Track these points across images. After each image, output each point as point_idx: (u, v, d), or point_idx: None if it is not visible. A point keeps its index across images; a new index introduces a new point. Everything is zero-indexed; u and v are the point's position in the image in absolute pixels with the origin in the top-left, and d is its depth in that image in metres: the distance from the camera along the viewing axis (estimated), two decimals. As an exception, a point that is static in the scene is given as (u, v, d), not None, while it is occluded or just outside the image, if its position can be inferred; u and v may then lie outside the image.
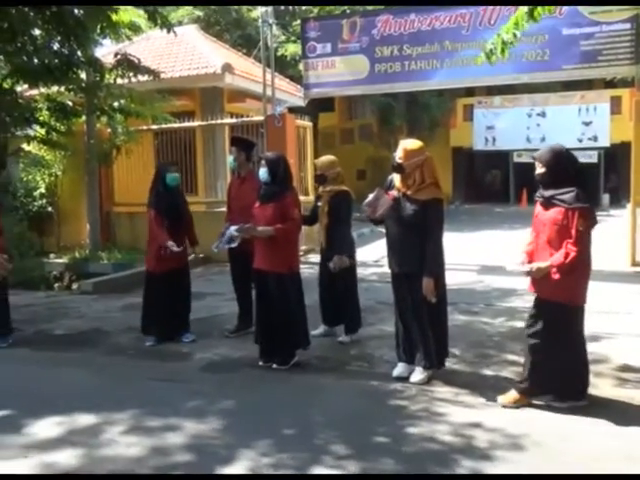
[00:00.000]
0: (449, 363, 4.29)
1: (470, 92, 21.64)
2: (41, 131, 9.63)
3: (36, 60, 8.75)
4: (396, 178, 4.06)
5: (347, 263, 5.07)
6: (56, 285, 10.61)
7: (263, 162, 4.63)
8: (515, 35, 4.31)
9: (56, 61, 8.82)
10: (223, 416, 3.63)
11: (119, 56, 8.35)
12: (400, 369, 4.21)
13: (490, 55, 4.51)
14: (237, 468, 3.00)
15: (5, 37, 8.04)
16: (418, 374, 4.08)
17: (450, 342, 4.25)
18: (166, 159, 11.46)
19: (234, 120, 10.94)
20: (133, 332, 5.80)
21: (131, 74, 8.33)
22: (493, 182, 26.18)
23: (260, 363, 4.66)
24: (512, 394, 3.68)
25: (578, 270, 3.47)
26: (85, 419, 3.65)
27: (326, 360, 4.73)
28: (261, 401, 3.92)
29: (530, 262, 3.64)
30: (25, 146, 10.88)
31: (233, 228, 4.86)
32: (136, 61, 8.21)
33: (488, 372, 4.30)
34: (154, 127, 11.15)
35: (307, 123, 11.05)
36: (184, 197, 5.74)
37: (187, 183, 10.12)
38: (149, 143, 11.55)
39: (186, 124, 11.01)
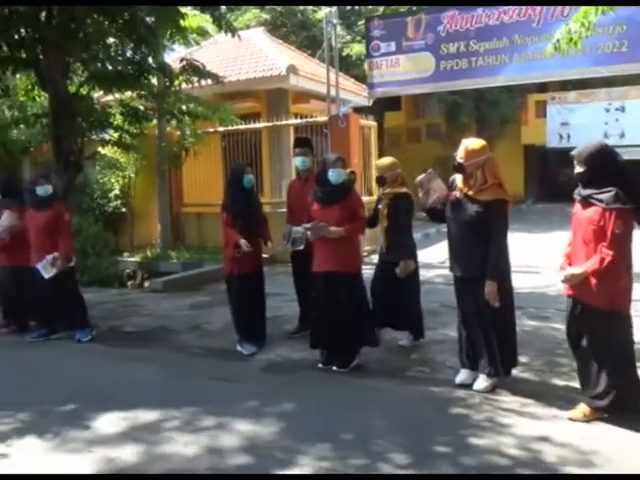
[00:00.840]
0: (516, 371, 4.12)
1: (542, 88, 20.79)
2: (115, 135, 10.04)
3: (110, 67, 9.15)
4: (458, 178, 3.94)
5: (413, 267, 4.96)
6: (129, 283, 11.10)
7: (333, 163, 4.59)
8: (584, 25, 4.07)
9: (129, 68, 9.22)
10: (281, 418, 3.63)
11: (184, 62, 8.55)
12: (463, 376, 4.07)
13: (557, 46, 4.29)
14: (293, 472, 2.98)
15: (80, 46, 8.42)
16: (482, 382, 3.94)
17: (518, 349, 4.07)
18: (233, 160, 11.70)
19: (298, 121, 10.99)
20: (198, 330, 5.95)
21: (195, 79, 8.50)
22: (567, 180, 25.07)
23: (320, 365, 4.64)
24: (582, 407, 3.48)
25: (617, 274, 3.27)
26: (146, 415, 3.74)
27: (386, 364, 4.65)
28: (320, 404, 3.89)
29: (570, 265, 3.48)
30: (101, 149, 11.42)
31: (296, 229, 4.86)
32: (200, 66, 8.37)
33: (557, 382, 4.08)
34: (221, 129, 11.39)
35: (371, 123, 10.97)
36: (258, 198, 5.70)
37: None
38: (217, 145, 11.81)
39: (252, 125, 11.17)
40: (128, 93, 9.72)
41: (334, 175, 4.52)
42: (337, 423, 3.54)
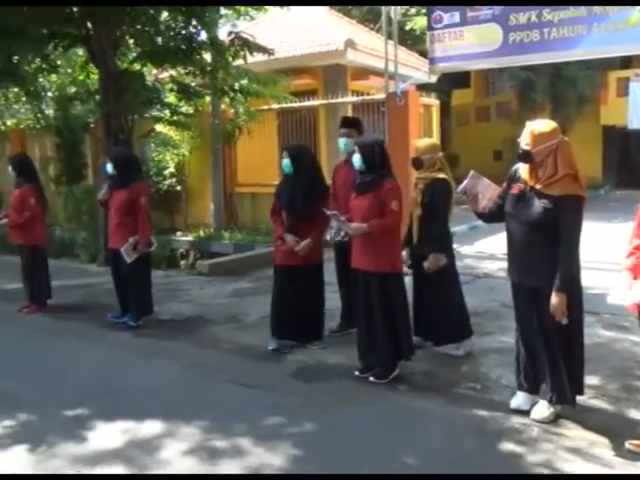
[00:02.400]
0: (584, 396, 3.48)
1: (625, 63, 19.11)
2: (167, 113, 9.81)
3: (160, 42, 8.87)
4: (522, 168, 3.30)
5: (443, 262, 4.37)
6: (182, 262, 10.98)
7: (356, 148, 4.10)
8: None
9: (180, 43, 8.91)
10: (300, 443, 3.17)
11: (232, 35, 8.11)
12: (520, 400, 3.49)
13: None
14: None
15: (129, 20, 8.16)
16: (542, 409, 3.34)
17: (587, 366, 3.42)
18: (288, 140, 11.29)
19: (354, 99, 10.38)
20: (234, 322, 5.60)
21: (243, 53, 8.06)
22: (651, 165, 23.17)
23: (356, 373, 4.17)
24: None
25: None
26: (150, 429, 3.40)
27: (431, 377, 4.11)
28: (348, 424, 3.42)
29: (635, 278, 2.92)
30: (157, 127, 11.26)
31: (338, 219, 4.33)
32: (251, 39, 7.92)
33: (637, 414, 3.42)
34: (275, 107, 10.96)
35: (433, 101, 10.25)
36: (309, 185, 4.73)
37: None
38: (271, 123, 11.41)
39: (306, 103, 10.65)
40: (180, 70, 9.46)
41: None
42: (364, 452, 3.07)
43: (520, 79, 17.56)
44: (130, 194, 5.34)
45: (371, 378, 4.07)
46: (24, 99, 12.47)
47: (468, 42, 7.90)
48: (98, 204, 5.62)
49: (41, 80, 11.60)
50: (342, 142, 5.03)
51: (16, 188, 6.14)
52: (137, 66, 9.32)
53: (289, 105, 10.70)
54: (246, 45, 7.91)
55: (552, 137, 3.18)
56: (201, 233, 10.96)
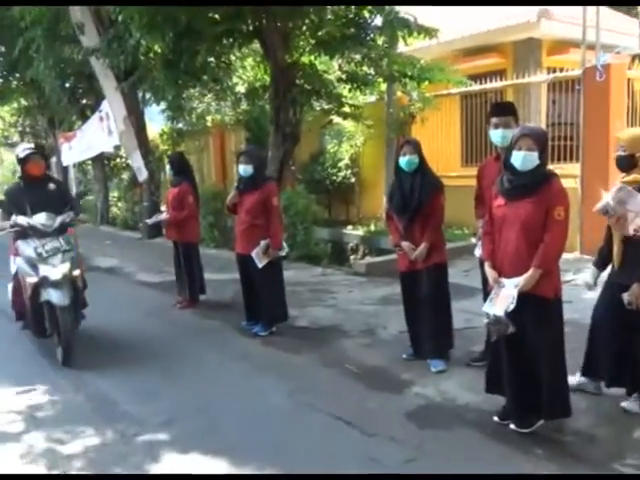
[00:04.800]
0: None
1: None
2: (336, 104, 9.55)
3: (331, 30, 8.57)
4: None
5: None
6: (352, 257, 10.73)
7: (527, 140, 3.18)
8: None
9: (352, 30, 8.53)
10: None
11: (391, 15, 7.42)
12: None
13: None
14: None
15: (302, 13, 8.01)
16: None
17: None
18: (472, 127, 10.30)
19: (545, 76, 8.98)
20: (369, 336, 5.09)
21: (402, 34, 7.34)
22: None
23: (495, 418, 3.39)
24: None
25: None
26: (226, 460, 3.04)
27: (589, 441, 3.14)
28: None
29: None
30: (335, 119, 11.12)
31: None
32: (411, 19, 7.17)
33: None
34: (454, 91, 10.04)
35: (647, 74, 8.37)
36: (428, 185, 4.27)
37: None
38: (452, 109, 10.51)
39: (489, 85, 9.53)
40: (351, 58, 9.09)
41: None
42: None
43: None
44: (262, 195, 5.09)
45: (512, 426, 3.28)
46: (221, 96, 13.27)
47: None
48: (226, 209, 5.45)
49: (234, 78, 12.24)
50: (497, 135, 4.04)
51: (174, 186, 6.32)
52: (310, 58, 9.20)
53: (470, 89, 9.72)
54: (406, 27, 7.18)
55: None
56: (372, 227, 10.57)
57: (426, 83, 9.17)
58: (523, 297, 3.13)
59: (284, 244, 5.28)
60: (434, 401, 3.74)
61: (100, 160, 15.58)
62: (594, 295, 5.70)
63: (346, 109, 9.78)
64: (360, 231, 10.78)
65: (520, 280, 3.12)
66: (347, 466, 2.98)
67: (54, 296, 4.46)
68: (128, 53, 8.49)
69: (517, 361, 3.21)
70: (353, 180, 11.73)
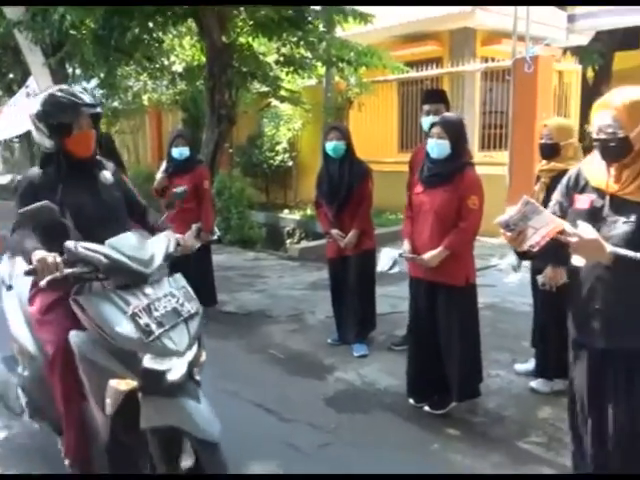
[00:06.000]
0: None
1: None
2: (273, 87, 9.44)
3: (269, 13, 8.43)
4: (596, 170, 2.15)
5: (563, 279, 3.40)
6: (288, 241, 10.72)
7: (438, 128, 3.26)
8: None
9: (289, 12, 8.42)
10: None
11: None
12: None
13: None
14: None
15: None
16: None
17: None
18: (408, 113, 10.44)
19: (479, 66, 9.18)
20: (295, 322, 5.10)
21: (338, 18, 7.33)
22: None
23: (411, 401, 3.48)
24: None
25: None
26: None
27: (498, 420, 3.27)
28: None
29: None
30: (273, 102, 11.00)
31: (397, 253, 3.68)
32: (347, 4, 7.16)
33: None
34: (391, 77, 10.11)
35: (574, 67, 8.71)
36: (356, 172, 4.31)
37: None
38: (388, 95, 10.60)
39: (425, 72, 9.67)
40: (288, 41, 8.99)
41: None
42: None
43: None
44: (193, 178, 4.98)
45: (426, 408, 3.40)
46: (156, 75, 12.88)
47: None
48: (154, 193, 5.22)
49: (171, 57, 11.89)
50: (428, 122, 4.06)
51: None
52: (248, 40, 9.04)
53: (407, 75, 9.81)
54: (341, 12, 7.16)
55: None
56: (308, 211, 10.58)
57: (363, 68, 9.21)
58: (435, 285, 3.22)
59: (215, 228, 5.21)
60: (354, 385, 3.80)
61: (27, 138, 14.87)
62: (516, 280, 5.93)
63: (284, 93, 9.68)
64: (297, 215, 10.78)
65: (427, 255, 3.21)
66: (263, 452, 2.98)
67: (191, 420, 2.14)
68: (54, 28, 8.09)
69: (430, 346, 3.30)
70: (291, 164, 11.67)
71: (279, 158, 11.62)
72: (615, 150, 2.05)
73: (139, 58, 9.72)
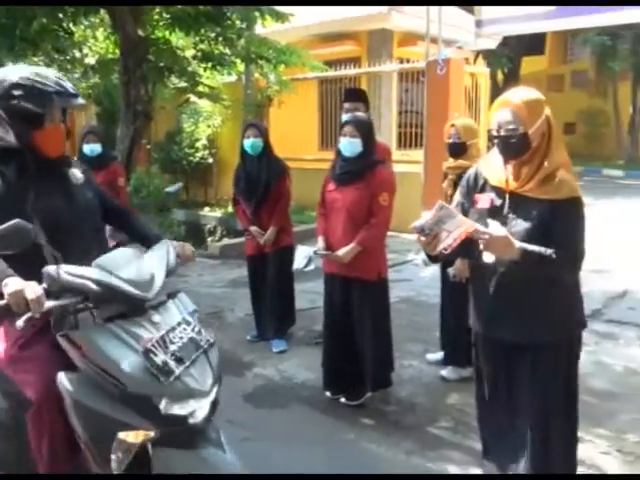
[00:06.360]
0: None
1: None
2: (191, 83, 9.29)
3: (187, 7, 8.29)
4: (494, 168, 2.25)
5: (465, 272, 3.58)
6: (209, 239, 10.58)
7: (350, 127, 3.34)
8: None
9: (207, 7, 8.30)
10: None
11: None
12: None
13: None
14: None
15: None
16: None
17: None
18: (327, 111, 10.57)
19: (395, 66, 9.45)
20: (215, 319, 5.06)
21: (256, 16, 7.34)
22: None
23: (327, 394, 3.55)
24: None
25: None
26: None
27: (410, 408, 3.41)
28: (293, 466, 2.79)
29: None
30: (192, 98, 10.79)
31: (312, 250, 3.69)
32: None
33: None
34: (311, 76, 10.21)
35: (482, 70, 9.14)
36: (274, 170, 4.34)
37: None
38: (309, 94, 10.69)
39: (343, 72, 9.83)
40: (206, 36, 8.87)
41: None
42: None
43: (596, 45, 15.82)
44: (107, 176, 4.82)
45: (342, 399, 3.47)
46: (66, 67, 12.33)
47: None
48: None
49: (84, 49, 11.41)
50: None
51: None
52: (164, 33, 8.83)
53: (326, 74, 9.94)
54: (257, 10, 7.16)
55: (543, 110, 2.16)
56: (229, 209, 10.49)
57: (283, 66, 9.24)
58: (349, 280, 3.31)
59: None
60: (272, 381, 3.83)
61: None
62: (430, 274, 6.15)
63: (203, 89, 9.54)
64: (217, 212, 10.68)
65: (340, 251, 3.29)
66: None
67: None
68: (-49, 13, 7.59)
69: (345, 339, 3.39)
70: (211, 161, 11.53)
71: (199, 155, 11.45)
72: (515, 146, 2.14)
73: (47, 49, 9.28)
